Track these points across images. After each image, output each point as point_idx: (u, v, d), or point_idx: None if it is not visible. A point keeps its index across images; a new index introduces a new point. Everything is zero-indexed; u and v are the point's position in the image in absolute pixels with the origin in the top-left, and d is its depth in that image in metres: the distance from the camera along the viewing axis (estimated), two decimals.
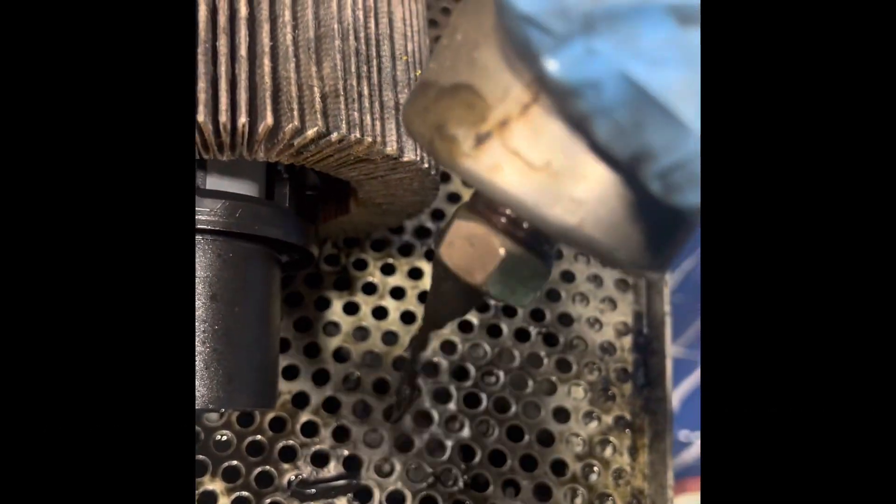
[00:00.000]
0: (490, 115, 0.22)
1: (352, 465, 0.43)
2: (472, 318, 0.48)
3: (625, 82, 0.18)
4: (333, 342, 0.47)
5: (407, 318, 0.48)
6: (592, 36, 0.18)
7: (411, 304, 0.48)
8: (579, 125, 0.20)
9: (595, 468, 0.45)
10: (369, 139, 0.32)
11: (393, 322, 0.48)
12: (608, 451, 0.45)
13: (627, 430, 0.46)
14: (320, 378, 0.46)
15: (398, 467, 0.43)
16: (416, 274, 0.50)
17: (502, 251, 0.25)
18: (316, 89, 0.31)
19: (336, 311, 0.48)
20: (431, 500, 0.43)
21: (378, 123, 0.33)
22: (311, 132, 0.30)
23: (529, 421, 0.45)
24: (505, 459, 0.44)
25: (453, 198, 0.53)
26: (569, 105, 0.20)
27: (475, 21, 0.23)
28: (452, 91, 0.23)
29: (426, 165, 0.35)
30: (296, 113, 0.30)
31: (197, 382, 0.33)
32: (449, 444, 0.44)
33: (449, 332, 0.47)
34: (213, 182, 0.35)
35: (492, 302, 0.49)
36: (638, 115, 0.19)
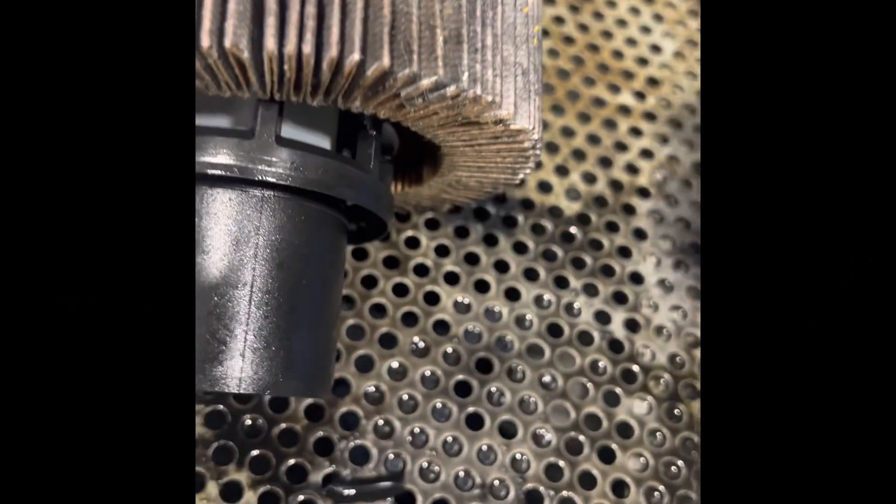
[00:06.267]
0: None
1: (394, 467, 0.39)
2: (529, 313, 0.44)
3: None
4: (381, 326, 0.42)
5: (459, 307, 0.43)
6: None
7: (467, 291, 0.44)
8: None
9: (657, 492, 0.40)
10: (488, 98, 0.27)
11: (445, 309, 0.43)
12: (673, 472, 0.41)
13: (694, 452, 0.42)
14: (364, 365, 0.41)
15: (443, 475, 0.39)
16: (472, 259, 0.45)
17: None
18: (438, 30, 0.26)
19: (385, 292, 0.43)
20: None
21: (498, 81, 0.28)
22: (426, 82, 0.26)
23: (591, 433, 0.41)
24: (562, 474, 0.40)
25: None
26: None
27: None
28: None
29: (535, 137, 0.31)
30: (415, 56, 0.25)
31: (256, 361, 0.28)
32: (499, 452, 0.40)
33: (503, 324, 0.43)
34: (287, 130, 0.30)
35: (547, 296, 0.44)
36: None
